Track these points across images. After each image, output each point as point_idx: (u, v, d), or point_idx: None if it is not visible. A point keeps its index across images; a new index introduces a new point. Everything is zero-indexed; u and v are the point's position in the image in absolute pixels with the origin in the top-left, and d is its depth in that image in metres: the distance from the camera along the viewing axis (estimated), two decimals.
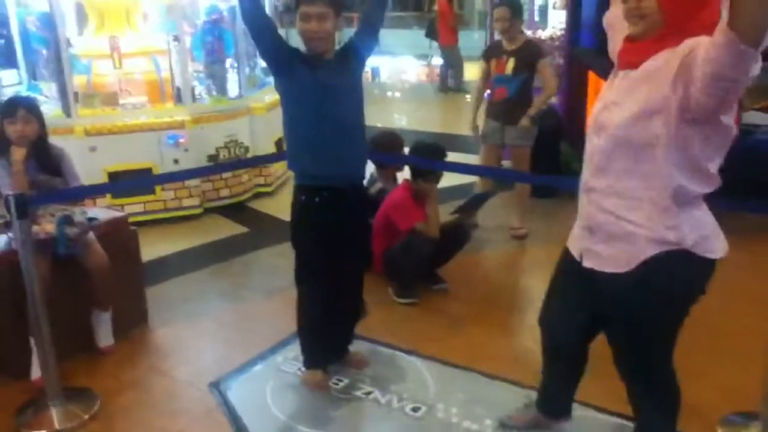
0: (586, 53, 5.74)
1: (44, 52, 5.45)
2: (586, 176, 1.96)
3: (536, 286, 3.78)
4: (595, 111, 1.96)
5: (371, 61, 14.81)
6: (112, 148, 5.15)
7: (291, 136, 2.80)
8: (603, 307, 2.03)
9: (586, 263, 2.00)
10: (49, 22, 5.02)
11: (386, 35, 14.70)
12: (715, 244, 1.85)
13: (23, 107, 3.21)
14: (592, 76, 5.52)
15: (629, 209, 1.83)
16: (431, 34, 13.20)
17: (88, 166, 5.08)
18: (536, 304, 2.43)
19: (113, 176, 5.17)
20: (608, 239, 1.90)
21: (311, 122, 2.68)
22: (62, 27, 5.02)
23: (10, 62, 6.35)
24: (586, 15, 5.85)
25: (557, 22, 6.63)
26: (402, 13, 18.40)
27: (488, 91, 4.96)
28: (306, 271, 2.88)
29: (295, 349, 3.18)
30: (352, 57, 2.78)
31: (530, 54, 4.67)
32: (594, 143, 1.92)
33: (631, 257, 1.84)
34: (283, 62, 2.67)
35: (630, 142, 1.78)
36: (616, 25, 2.01)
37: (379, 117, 9.49)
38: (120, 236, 3.54)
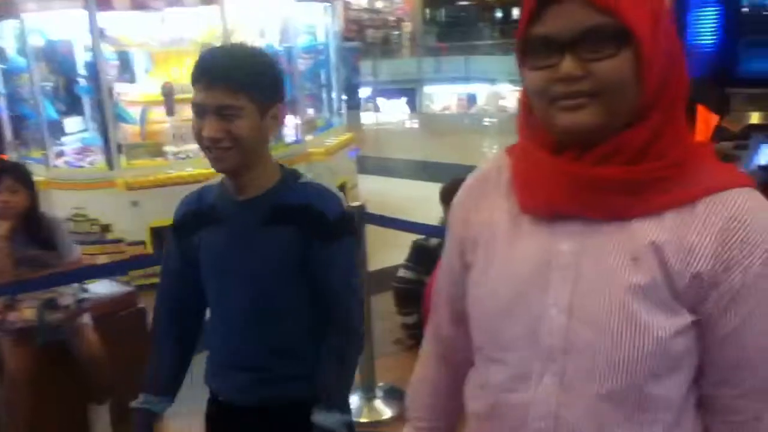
0: (694, 84, 4.85)
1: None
2: None
3: None
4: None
5: (467, 89, 14.25)
6: (156, 201, 4.81)
7: None
8: None
9: None
10: (92, 69, 4.78)
11: (481, 61, 14.10)
12: None
13: (9, 175, 2.82)
14: (701, 110, 4.64)
15: None
16: None
17: (129, 222, 4.82)
18: None
19: (157, 232, 4.83)
20: None
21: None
22: (104, 74, 4.77)
23: (75, 109, 6.26)
24: (692, 40, 4.97)
25: None
26: (499, 41, 17.69)
27: None
28: None
29: None
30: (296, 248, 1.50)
31: None
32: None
33: None
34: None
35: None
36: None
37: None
38: (126, 315, 3.09)
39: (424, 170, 7.64)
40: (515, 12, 18.20)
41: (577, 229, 0.86)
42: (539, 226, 0.88)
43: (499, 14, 18.46)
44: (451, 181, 3.80)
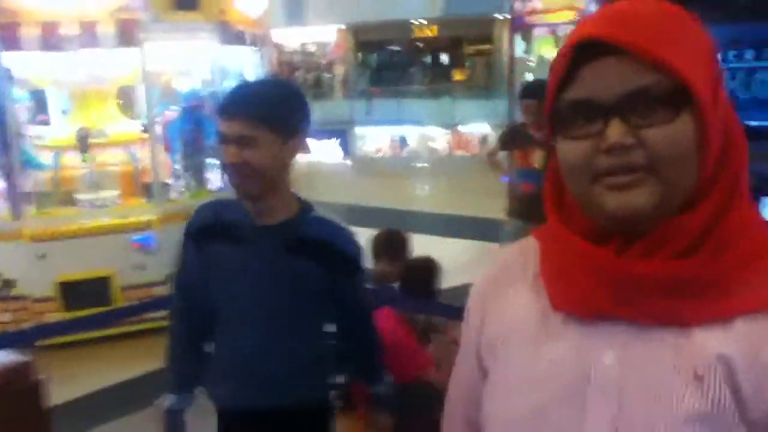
0: None
1: None
2: None
3: None
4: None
5: (399, 131, 14.40)
6: (65, 254, 4.45)
7: None
8: None
9: None
10: None
11: (412, 104, 14.25)
12: None
13: None
14: None
15: None
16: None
17: (35, 276, 4.43)
18: None
19: (66, 287, 4.46)
20: None
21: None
22: (11, 116, 4.42)
23: None
24: None
25: None
26: (428, 85, 18.00)
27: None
28: None
29: None
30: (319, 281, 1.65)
31: None
32: None
33: None
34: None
35: None
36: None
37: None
38: (20, 389, 2.75)
39: (356, 214, 7.51)
40: (443, 57, 18.64)
41: (622, 335, 0.68)
42: (574, 328, 0.71)
43: (428, 59, 18.84)
44: (382, 232, 3.65)
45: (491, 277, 0.84)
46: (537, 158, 3.92)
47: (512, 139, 4.14)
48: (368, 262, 3.46)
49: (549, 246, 0.77)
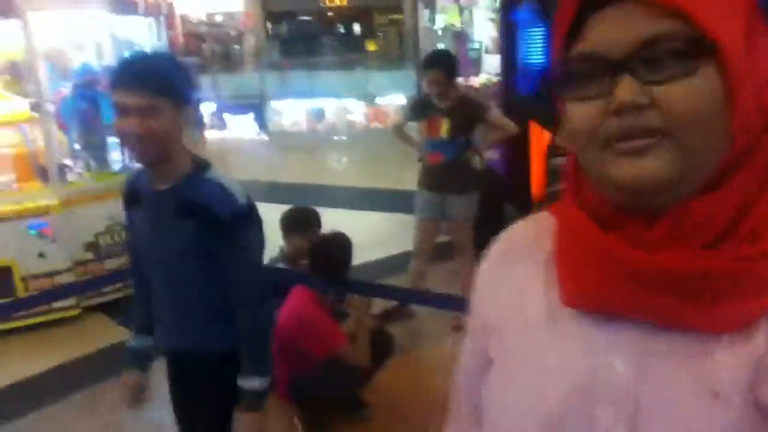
0: (526, 101, 5.06)
1: None
2: None
3: None
4: None
5: (314, 104, 14.21)
6: None
7: None
8: None
9: None
10: None
11: (326, 76, 14.04)
12: None
13: None
14: (533, 127, 4.83)
15: None
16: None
17: None
18: None
19: None
20: None
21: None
22: None
23: None
24: (523, 59, 5.18)
25: (491, 67, 5.98)
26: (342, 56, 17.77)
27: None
28: None
29: None
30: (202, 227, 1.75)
31: (469, 111, 3.94)
32: None
33: None
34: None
35: None
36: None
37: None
38: None
39: (272, 191, 7.35)
40: (356, 27, 18.44)
41: (638, 339, 0.59)
42: (585, 327, 0.63)
43: (341, 29, 18.59)
44: (291, 210, 3.59)
45: (502, 253, 0.76)
46: (443, 128, 3.94)
47: (419, 109, 4.14)
48: (279, 239, 3.42)
49: (563, 227, 0.67)
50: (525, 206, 4.78)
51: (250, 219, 1.79)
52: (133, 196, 1.88)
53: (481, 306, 0.76)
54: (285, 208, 3.62)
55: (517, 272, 0.71)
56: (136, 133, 1.64)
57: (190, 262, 1.78)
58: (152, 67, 1.70)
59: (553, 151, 4.79)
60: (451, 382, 0.84)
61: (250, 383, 1.80)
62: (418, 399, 3.22)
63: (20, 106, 4.81)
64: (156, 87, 1.64)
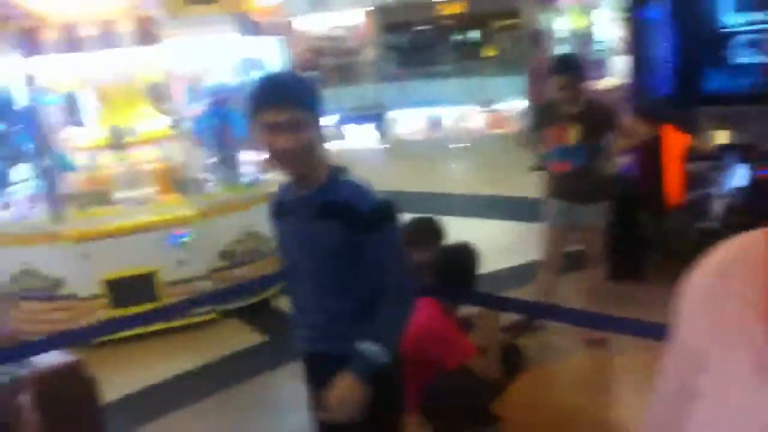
0: (658, 103, 4.78)
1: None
2: None
3: (627, 413, 2.75)
4: None
5: (432, 112, 14.28)
6: (109, 253, 4.51)
7: None
8: None
9: None
10: (28, 116, 4.49)
11: (443, 84, 14.02)
12: None
13: None
14: (666, 130, 4.55)
15: None
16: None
17: (81, 276, 4.51)
18: None
19: (113, 285, 4.53)
20: None
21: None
22: (45, 120, 4.48)
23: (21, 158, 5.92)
24: (655, 59, 4.90)
25: (618, 68, 5.70)
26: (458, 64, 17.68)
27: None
28: None
29: None
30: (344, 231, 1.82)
31: (599, 116, 3.79)
32: None
33: None
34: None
35: None
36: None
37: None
38: (71, 389, 2.80)
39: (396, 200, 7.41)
40: (472, 34, 18.27)
41: None
42: None
43: (457, 37, 18.53)
44: (414, 221, 3.53)
45: (707, 282, 0.68)
46: (572, 135, 3.79)
47: (545, 116, 4.01)
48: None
49: None
50: (660, 213, 4.51)
51: (392, 212, 1.85)
52: (279, 206, 1.97)
53: (689, 329, 0.68)
54: (406, 216, 3.60)
55: (725, 304, 0.63)
56: (291, 147, 1.74)
57: (337, 262, 1.83)
58: (293, 84, 1.81)
59: (693, 154, 4.48)
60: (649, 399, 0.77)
61: (367, 346, 1.75)
62: (549, 415, 3.10)
63: (161, 125, 5.20)
64: (301, 102, 1.75)
